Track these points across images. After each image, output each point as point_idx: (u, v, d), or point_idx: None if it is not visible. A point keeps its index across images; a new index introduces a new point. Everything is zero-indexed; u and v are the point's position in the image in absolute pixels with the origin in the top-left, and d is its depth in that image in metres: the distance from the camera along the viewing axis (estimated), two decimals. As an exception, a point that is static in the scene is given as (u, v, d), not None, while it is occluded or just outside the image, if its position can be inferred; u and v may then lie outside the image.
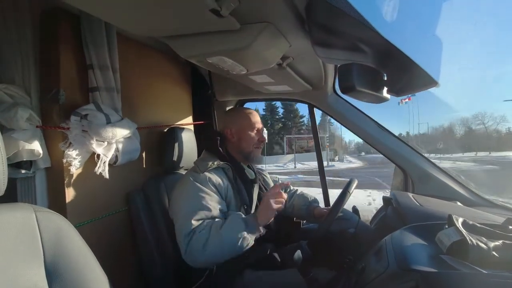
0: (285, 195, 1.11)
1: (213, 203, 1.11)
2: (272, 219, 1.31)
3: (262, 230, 1.09)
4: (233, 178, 1.22)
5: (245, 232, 1.04)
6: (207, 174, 1.17)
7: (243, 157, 1.31)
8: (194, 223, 1.06)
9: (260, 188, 1.34)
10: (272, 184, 1.50)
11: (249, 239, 1.04)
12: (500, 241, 0.69)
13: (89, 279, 0.64)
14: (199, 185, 1.13)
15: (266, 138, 1.41)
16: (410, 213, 1.15)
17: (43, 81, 1.07)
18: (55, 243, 0.61)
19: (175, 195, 1.21)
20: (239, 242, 1.03)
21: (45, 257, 0.59)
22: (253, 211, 1.23)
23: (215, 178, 1.17)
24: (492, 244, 0.67)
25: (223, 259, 1.05)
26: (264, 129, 1.40)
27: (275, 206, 1.08)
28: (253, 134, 1.31)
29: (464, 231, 0.70)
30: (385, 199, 1.53)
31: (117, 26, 1.18)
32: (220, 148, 1.26)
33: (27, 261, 0.57)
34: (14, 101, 0.99)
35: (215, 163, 1.21)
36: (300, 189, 1.62)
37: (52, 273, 0.60)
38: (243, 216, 1.09)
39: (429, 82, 0.94)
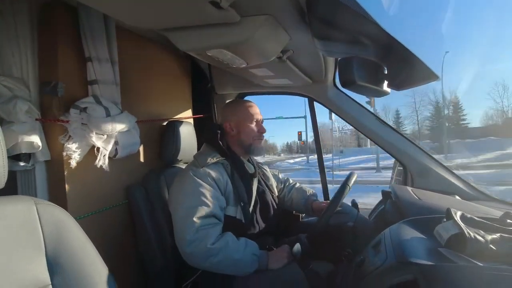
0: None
1: (213, 199, 1.12)
2: (272, 212, 1.32)
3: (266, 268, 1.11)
4: (231, 174, 1.22)
5: (253, 267, 1.08)
6: (206, 169, 1.17)
7: (243, 150, 1.31)
8: (196, 221, 1.06)
9: (259, 182, 1.34)
10: (271, 178, 1.50)
11: (252, 271, 1.08)
12: (498, 235, 0.69)
13: (90, 271, 0.65)
14: (198, 180, 1.13)
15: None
16: (409, 206, 1.15)
17: (41, 73, 1.06)
18: (56, 235, 0.62)
19: (175, 189, 1.21)
20: (244, 271, 1.08)
21: (46, 249, 0.60)
22: (252, 205, 1.24)
23: (215, 173, 1.17)
24: (489, 237, 0.67)
25: (222, 272, 1.09)
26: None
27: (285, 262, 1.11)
28: (252, 125, 1.30)
29: (462, 225, 0.70)
30: (384, 192, 1.53)
31: (116, 18, 1.17)
32: (220, 142, 1.26)
33: (28, 253, 0.57)
34: (13, 93, 0.98)
35: (215, 158, 1.21)
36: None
37: (54, 265, 0.60)
38: (258, 253, 1.11)
39: (430, 76, 0.93)
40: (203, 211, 1.08)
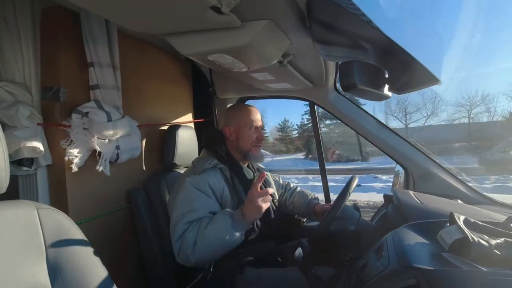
0: (271, 190, 1.06)
1: (206, 206, 1.11)
2: (273, 217, 1.32)
3: (250, 225, 1.07)
4: (231, 179, 1.22)
5: (232, 228, 1.02)
6: (203, 175, 1.16)
7: (241, 156, 1.30)
8: (184, 227, 1.06)
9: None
10: (272, 183, 1.49)
11: (237, 235, 1.03)
12: (502, 239, 0.69)
13: (91, 275, 0.65)
14: (194, 187, 1.13)
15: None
16: (411, 210, 1.15)
17: (44, 78, 1.07)
18: (57, 240, 0.62)
19: (172, 197, 1.21)
20: (227, 238, 1.01)
21: (47, 253, 0.60)
22: None
23: (211, 179, 1.16)
24: (494, 242, 0.67)
25: (215, 257, 1.05)
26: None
27: (264, 205, 1.05)
28: (251, 132, 1.29)
29: (466, 229, 0.70)
30: (386, 196, 1.52)
31: (118, 24, 1.18)
32: (218, 148, 1.26)
33: (29, 257, 0.57)
34: (15, 98, 0.99)
35: (212, 163, 1.21)
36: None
37: (54, 270, 0.60)
38: (229, 212, 1.07)
39: (431, 79, 0.93)
40: (191, 216, 1.08)
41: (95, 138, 1.12)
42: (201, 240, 1.01)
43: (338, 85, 1.72)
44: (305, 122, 24.60)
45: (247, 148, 1.29)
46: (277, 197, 1.45)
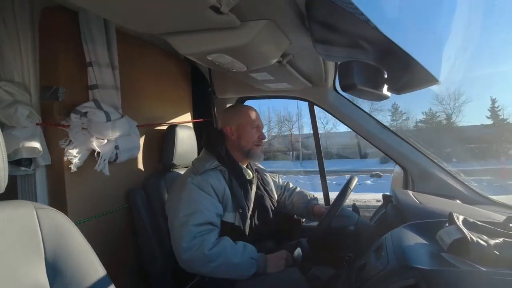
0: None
1: (209, 206, 1.12)
2: (271, 217, 1.32)
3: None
4: (229, 180, 1.22)
5: (253, 272, 1.09)
6: (204, 175, 1.17)
7: (243, 155, 1.30)
8: (193, 229, 1.07)
9: (258, 187, 1.33)
10: (271, 183, 1.49)
11: (251, 275, 1.10)
12: (501, 239, 0.68)
13: (90, 275, 0.65)
14: (196, 187, 1.14)
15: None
16: (410, 210, 1.15)
17: (42, 78, 1.07)
18: (55, 240, 0.61)
19: (173, 196, 1.21)
20: (243, 275, 1.09)
21: (45, 254, 0.60)
22: (250, 211, 1.23)
23: (213, 180, 1.17)
24: (493, 242, 0.67)
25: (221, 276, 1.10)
26: None
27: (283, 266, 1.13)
28: (253, 131, 1.29)
29: (465, 229, 0.70)
30: (385, 196, 1.52)
31: (116, 23, 1.18)
32: (219, 148, 1.26)
33: (28, 258, 0.57)
34: (14, 98, 0.99)
35: (213, 164, 1.21)
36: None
37: (53, 270, 0.60)
38: (256, 256, 1.12)
39: (430, 79, 0.93)
40: (199, 218, 1.09)
41: (94, 138, 1.11)
42: (222, 263, 1.06)
43: (337, 85, 1.73)
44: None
45: (249, 147, 1.29)
46: (276, 197, 1.45)
